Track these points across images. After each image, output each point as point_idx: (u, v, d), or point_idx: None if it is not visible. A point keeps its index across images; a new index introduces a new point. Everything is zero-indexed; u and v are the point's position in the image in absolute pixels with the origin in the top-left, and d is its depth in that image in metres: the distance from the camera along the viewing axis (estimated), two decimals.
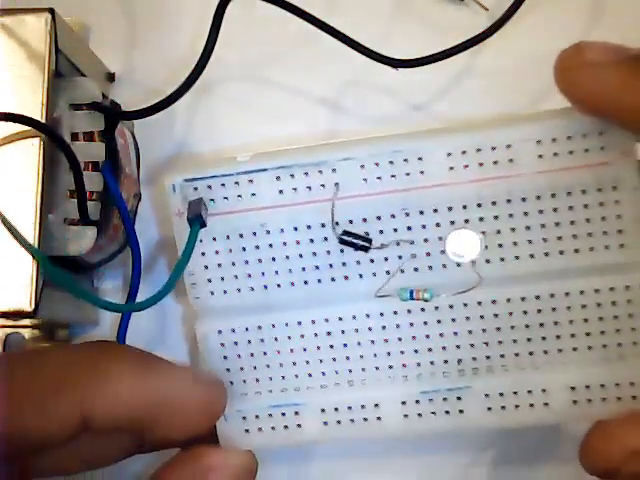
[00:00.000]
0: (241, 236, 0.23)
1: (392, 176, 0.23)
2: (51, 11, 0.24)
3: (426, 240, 0.23)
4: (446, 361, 0.23)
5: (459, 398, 0.23)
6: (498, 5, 0.28)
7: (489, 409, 0.23)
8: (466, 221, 0.23)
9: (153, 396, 0.21)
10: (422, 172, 0.23)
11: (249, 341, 0.24)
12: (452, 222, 0.23)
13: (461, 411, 0.23)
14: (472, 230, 0.23)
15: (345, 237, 0.23)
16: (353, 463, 0.28)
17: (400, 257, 0.23)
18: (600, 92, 0.20)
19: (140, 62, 0.31)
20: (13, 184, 0.23)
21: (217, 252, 0.24)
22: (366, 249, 0.23)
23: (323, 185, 0.23)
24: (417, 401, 0.23)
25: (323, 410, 0.24)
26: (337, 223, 0.23)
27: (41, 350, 0.23)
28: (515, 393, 0.23)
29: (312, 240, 0.23)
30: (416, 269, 0.23)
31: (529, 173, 0.22)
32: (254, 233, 0.23)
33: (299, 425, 0.24)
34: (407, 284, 0.23)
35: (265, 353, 0.24)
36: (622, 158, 0.22)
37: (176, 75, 0.26)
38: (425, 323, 0.23)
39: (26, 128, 0.23)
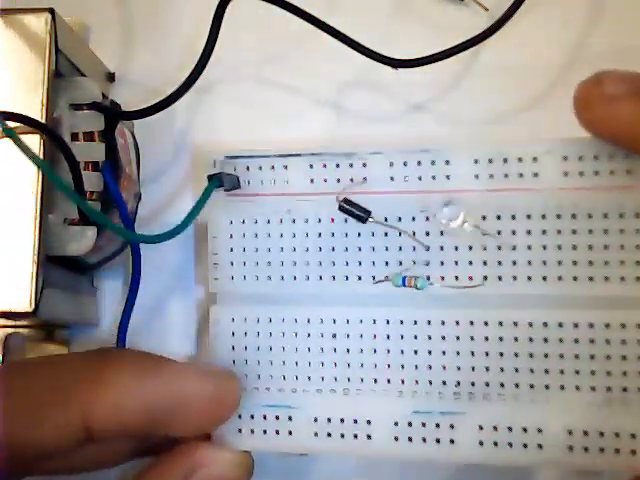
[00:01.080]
0: (268, 222, 0.24)
1: (418, 178, 0.23)
2: (51, 11, 0.24)
3: (442, 248, 0.23)
4: (444, 382, 0.22)
5: (452, 426, 0.22)
6: (498, 5, 0.28)
7: (481, 443, 0.22)
8: (483, 234, 0.22)
9: (158, 400, 0.21)
10: (448, 177, 0.23)
11: (258, 333, 0.24)
12: (471, 235, 0.22)
13: (452, 441, 0.22)
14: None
15: (345, 205, 0.23)
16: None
17: (414, 262, 0.23)
18: (619, 125, 0.20)
19: (140, 62, 0.31)
20: (13, 184, 0.23)
21: (244, 235, 0.24)
22: (363, 220, 0.23)
23: (352, 179, 0.23)
24: (409, 423, 0.22)
25: (316, 419, 0.23)
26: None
27: (38, 360, 0.23)
28: (510, 429, 0.22)
29: (333, 234, 0.23)
30: (428, 278, 0.23)
31: (552, 189, 0.22)
32: (281, 220, 0.24)
33: (290, 432, 0.23)
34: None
35: (271, 348, 0.23)
36: None
37: (176, 75, 0.26)
38: (429, 337, 0.23)
39: (26, 128, 0.23)
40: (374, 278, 0.23)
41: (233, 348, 0.24)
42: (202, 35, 0.25)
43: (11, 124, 0.23)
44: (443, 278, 0.23)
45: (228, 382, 0.23)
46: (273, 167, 0.24)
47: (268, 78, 0.30)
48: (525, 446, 0.22)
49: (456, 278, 0.23)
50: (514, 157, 0.22)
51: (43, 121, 0.23)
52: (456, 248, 0.23)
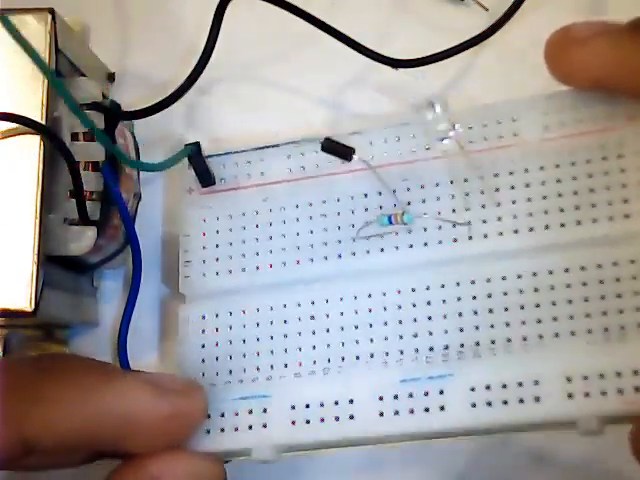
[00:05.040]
0: (243, 214, 0.24)
1: (399, 152, 0.23)
2: (51, 11, 0.24)
3: (425, 214, 0.23)
4: (432, 348, 0.22)
5: (441, 392, 0.21)
6: (498, 5, 0.28)
7: (473, 405, 0.21)
8: (466, 194, 0.22)
9: (101, 418, 0.19)
10: (427, 148, 0.23)
11: (230, 327, 0.23)
12: (452, 196, 0.23)
13: (442, 408, 0.21)
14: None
15: (327, 144, 0.23)
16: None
17: (397, 234, 0.23)
18: (596, 65, 0.20)
19: (140, 62, 0.31)
20: (13, 184, 0.23)
21: (218, 232, 0.24)
22: (348, 157, 0.23)
23: (330, 161, 0.24)
24: (395, 396, 0.21)
25: (293, 407, 0.22)
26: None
27: None
28: (504, 386, 0.21)
29: (311, 217, 0.23)
30: (411, 246, 0.23)
31: (533, 142, 0.22)
32: (256, 211, 0.24)
33: (265, 425, 0.22)
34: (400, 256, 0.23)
35: (244, 341, 0.23)
36: (627, 123, 0.22)
37: (176, 75, 0.26)
38: (414, 305, 0.22)
39: (26, 128, 0.23)
40: (354, 254, 0.23)
41: (203, 346, 0.23)
42: (202, 35, 0.25)
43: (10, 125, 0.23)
44: (426, 244, 0.23)
45: (190, 398, 0.21)
46: (249, 161, 0.24)
47: (268, 78, 0.30)
48: (521, 401, 0.20)
49: (439, 242, 0.22)
50: (493, 120, 0.23)
51: (43, 121, 0.23)
52: (439, 213, 0.23)
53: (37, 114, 0.23)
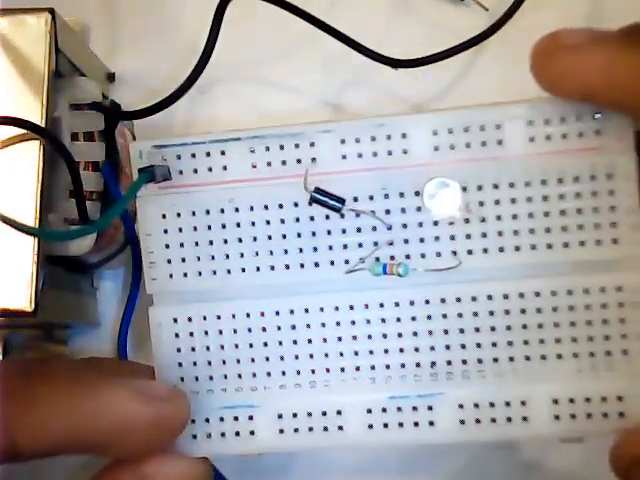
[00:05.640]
0: (207, 213, 0.22)
1: (374, 154, 0.21)
2: (51, 11, 0.24)
3: (405, 226, 0.21)
4: (418, 364, 0.21)
5: (430, 408, 0.21)
6: (498, 5, 0.28)
7: (462, 422, 0.21)
8: (467, 210, 0.21)
9: (88, 423, 0.19)
10: (405, 151, 0.21)
11: (206, 332, 0.22)
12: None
13: (431, 423, 0.21)
14: (452, 184, 0.21)
15: (317, 195, 0.21)
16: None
17: (376, 243, 0.21)
18: (585, 74, 0.19)
19: (140, 62, 0.31)
20: (13, 184, 0.23)
21: (180, 230, 0.22)
22: (338, 210, 0.21)
23: (299, 160, 0.22)
24: (384, 409, 0.21)
25: (280, 416, 0.22)
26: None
27: None
28: (492, 405, 0.21)
29: (283, 221, 0.22)
30: (392, 257, 0.21)
31: (519, 155, 0.21)
32: (222, 210, 0.22)
33: (252, 432, 0.22)
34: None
35: (222, 347, 0.22)
36: (617, 143, 0.21)
37: (176, 75, 0.26)
38: (398, 320, 0.21)
39: (24, 130, 0.23)
40: (333, 263, 0.22)
41: (179, 350, 0.22)
42: (202, 35, 0.25)
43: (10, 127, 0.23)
44: (408, 257, 0.21)
45: (172, 404, 0.21)
46: (209, 154, 0.22)
47: (268, 78, 0.30)
48: (509, 420, 0.21)
49: (422, 256, 0.21)
50: (476, 125, 0.21)
51: (43, 122, 0.23)
52: (420, 224, 0.21)
53: (37, 115, 0.23)
